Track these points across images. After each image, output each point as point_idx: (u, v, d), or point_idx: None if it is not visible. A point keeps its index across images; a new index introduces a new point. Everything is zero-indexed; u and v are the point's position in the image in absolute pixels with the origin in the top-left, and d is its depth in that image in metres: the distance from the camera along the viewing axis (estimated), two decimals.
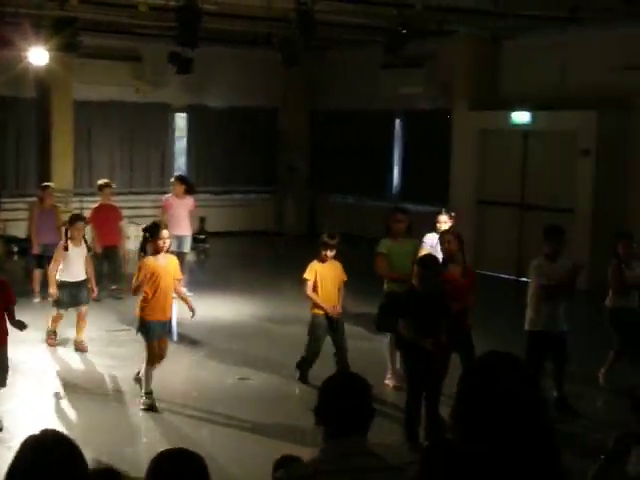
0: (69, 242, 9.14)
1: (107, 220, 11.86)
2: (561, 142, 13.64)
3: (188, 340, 9.63)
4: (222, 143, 18.02)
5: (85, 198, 15.32)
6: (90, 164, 16.82)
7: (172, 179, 12.80)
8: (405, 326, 6.56)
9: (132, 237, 16.00)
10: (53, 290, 9.09)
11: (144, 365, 7.36)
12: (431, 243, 8.84)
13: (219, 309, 11.28)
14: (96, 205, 12.16)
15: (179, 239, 11.94)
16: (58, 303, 9.21)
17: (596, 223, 12.87)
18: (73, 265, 9.19)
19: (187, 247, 12.27)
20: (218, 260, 15.74)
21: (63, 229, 9.58)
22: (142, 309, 7.38)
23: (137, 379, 7.64)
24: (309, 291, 7.97)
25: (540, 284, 7.23)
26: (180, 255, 12.02)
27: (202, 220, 16.02)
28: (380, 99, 16.84)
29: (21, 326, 7.03)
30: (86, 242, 9.55)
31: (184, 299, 7.89)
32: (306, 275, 8.02)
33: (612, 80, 13.14)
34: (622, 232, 8.34)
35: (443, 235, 7.45)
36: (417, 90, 15.92)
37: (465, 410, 2.73)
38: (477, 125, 14.76)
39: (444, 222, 8.91)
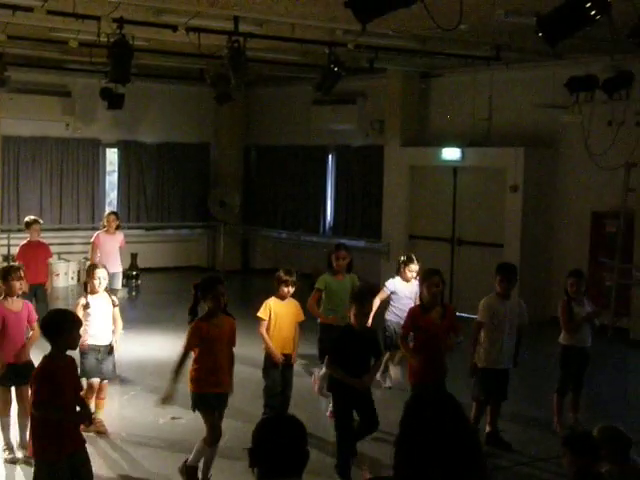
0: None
1: (35, 257, 11.61)
2: (491, 178, 13.91)
3: (118, 379, 9.43)
4: (154, 178, 17.90)
5: (13, 235, 15.01)
6: (18, 200, 16.51)
7: (105, 214, 12.63)
8: (333, 364, 6.51)
9: (61, 274, 15.76)
10: None
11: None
12: (407, 293, 8.71)
13: (151, 346, 11.11)
14: (24, 242, 11.92)
15: (110, 276, 11.78)
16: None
17: (524, 258, 13.10)
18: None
19: (118, 284, 12.13)
20: (150, 297, 15.55)
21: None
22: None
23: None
24: (263, 330, 7.42)
25: (476, 321, 7.30)
26: (111, 292, 11.90)
27: (134, 256, 15.84)
28: (313, 135, 16.97)
29: None
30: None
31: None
32: (260, 314, 7.48)
33: (538, 117, 13.50)
34: (573, 270, 8.45)
35: (431, 278, 6.96)
36: (350, 126, 16.12)
37: (403, 448, 2.75)
38: (408, 161, 14.97)
39: (416, 271, 8.73)
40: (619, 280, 12.01)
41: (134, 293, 15.57)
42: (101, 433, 7.50)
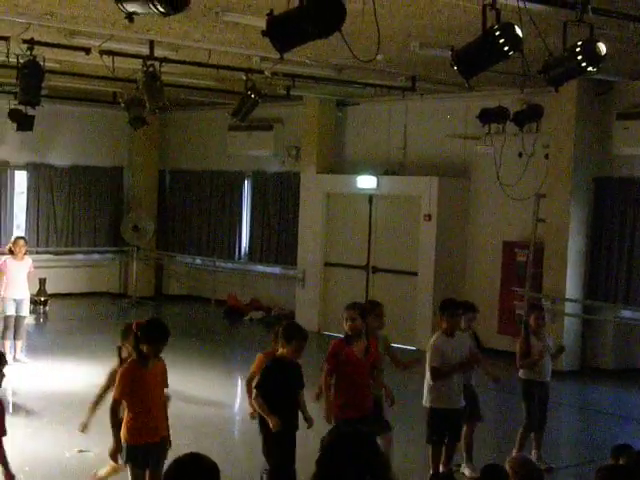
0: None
1: None
2: (405, 206, 14.06)
3: (23, 410, 9.12)
4: (65, 202, 17.50)
5: None
6: None
7: (12, 239, 12.24)
8: (257, 396, 6.17)
9: None
10: None
11: None
12: None
13: (57, 376, 10.78)
14: None
15: (17, 302, 11.49)
16: None
17: (438, 286, 13.25)
18: None
19: (26, 310, 11.76)
20: (58, 323, 15.13)
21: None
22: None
23: None
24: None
25: (432, 366, 7.09)
26: (18, 319, 11.54)
27: (42, 281, 15.41)
28: (229, 160, 16.90)
29: None
30: None
31: None
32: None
33: (452, 148, 13.74)
34: (532, 304, 8.43)
35: (348, 310, 6.72)
36: (266, 152, 16.10)
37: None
38: (324, 188, 15.02)
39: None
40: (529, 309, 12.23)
41: (42, 320, 15.13)
42: None
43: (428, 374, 7.18)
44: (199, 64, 10.92)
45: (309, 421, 6.38)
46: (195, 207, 17.87)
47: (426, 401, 7.21)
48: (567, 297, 12.16)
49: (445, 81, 11.89)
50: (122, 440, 5.81)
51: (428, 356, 7.19)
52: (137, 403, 5.73)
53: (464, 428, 7.51)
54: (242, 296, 16.57)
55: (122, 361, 6.21)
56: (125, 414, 5.83)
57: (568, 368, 11.81)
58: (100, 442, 8.11)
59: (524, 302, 12.34)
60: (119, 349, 6.34)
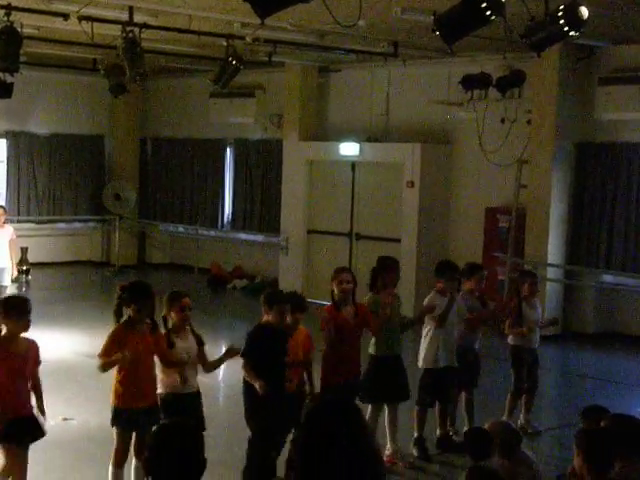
0: None
1: None
2: (388, 173, 14.04)
3: None
4: (45, 170, 17.36)
5: None
6: None
7: None
8: (245, 364, 6.14)
9: None
10: None
11: None
12: None
13: (41, 345, 10.68)
14: None
15: None
16: None
17: (420, 253, 13.29)
18: None
19: (7, 280, 11.71)
20: (41, 292, 15.05)
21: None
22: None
23: None
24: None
25: (437, 315, 7.11)
26: (0, 288, 11.49)
27: (24, 250, 15.33)
28: (211, 128, 16.79)
29: None
30: None
31: None
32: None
33: (434, 114, 13.70)
34: (526, 271, 8.38)
35: (341, 274, 6.72)
36: (248, 119, 16.00)
37: (302, 452, 2.72)
38: (307, 155, 14.96)
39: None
40: (511, 274, 12.30)
41: (24, 289, 15.05)
42: None
43: (426, 332, 7.22)
44: (179, 30, 10.79)
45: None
46: (177, 175, 17.78)
47: (423, 362, 7.26)
48: (549, 262, 12.24)
49: (427, 47, 11.83)
50: (110, 403, 5.86)
51: (425, 313, 7.20)
52: (124, 366, 5.69)
53: (462, 394, 7.55)
54: (225, 264, 16.55)
55: (168, 332, 6.00)
56: (114, 376, 5.84)
57: (550, 333, 11.91)
58: (84, 411, 8.17)
59: (506, 268, 12.42)
60: (164, 319, 6.04)
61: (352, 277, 6.77)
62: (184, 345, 6.00)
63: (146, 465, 3.18)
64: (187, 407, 5.89)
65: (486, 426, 5.12)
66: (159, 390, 5.95)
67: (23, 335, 5.66)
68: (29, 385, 5.64)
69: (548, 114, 12.08)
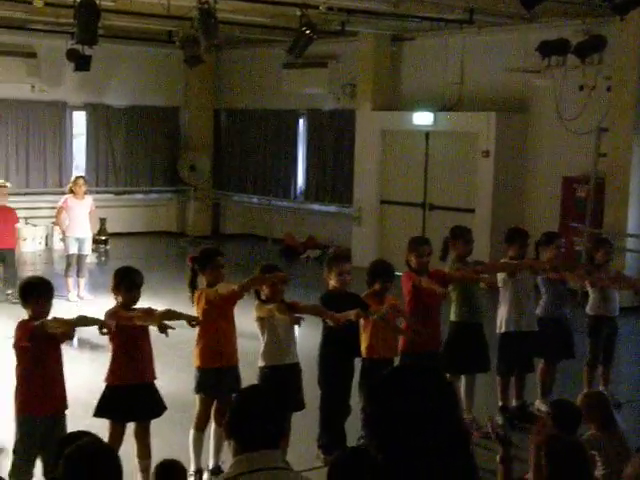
0: None
1: (3, 222, 11.45)
2: (462, 143, 13.87)
3: (88, 345, 9.36)
4: (122, 142, 17.66)
5: None
6: None
7: (73, 179, 12.43)
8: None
9: (29, 239, 15.55)
10: None
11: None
12: None
13: None
14: None
15: (79, 241, 11.74)
16: None
17: (495, 223, 13.13)
18: None
19: (88, 249, 12.02)
20: (120, 262, 15.30)
21: None
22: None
23: None
24: None
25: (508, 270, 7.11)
26: (80, 257, 11.79)
27: (102, 221, 15.67)
28: (284, 98, 16.81)
29: None
30: None
31: None
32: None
33: (510, 82, 13.45)
34: (600, 238, 8.29)
35: (422, 247, 6.72)
36: (321, 90, 15.98)
37: (377, 419, 2.69)
38: (380, 125, 14.88)
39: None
40: (589, 244, 12.06)
41: (103, 258, 15.41)
42: None
43: (502, 297, 7.15)
44: (254, 0, 10.82)
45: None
46: (250, 146, 17.89)
47: (500, 327, 7.20)
48: (628, 232, 11.96)
49: (504, 12, 11.60)
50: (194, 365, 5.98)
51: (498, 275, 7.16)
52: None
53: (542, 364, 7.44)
54: (298, 235, 16.63)
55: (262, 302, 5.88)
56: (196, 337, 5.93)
57: (628, 304, 11.66)
58: (165, 377, 8.33)
59: (584, 238, 12.18)
60: (257, 293, 5.94)
61: (430, 249, 6.73)
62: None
63: (228, 429, 3.23)
64: (287, 379, 5.81)
65: (579, 397, 5.03)
66: (260, 364, 5.90)
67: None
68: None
69: (629, 80, 11.74)
